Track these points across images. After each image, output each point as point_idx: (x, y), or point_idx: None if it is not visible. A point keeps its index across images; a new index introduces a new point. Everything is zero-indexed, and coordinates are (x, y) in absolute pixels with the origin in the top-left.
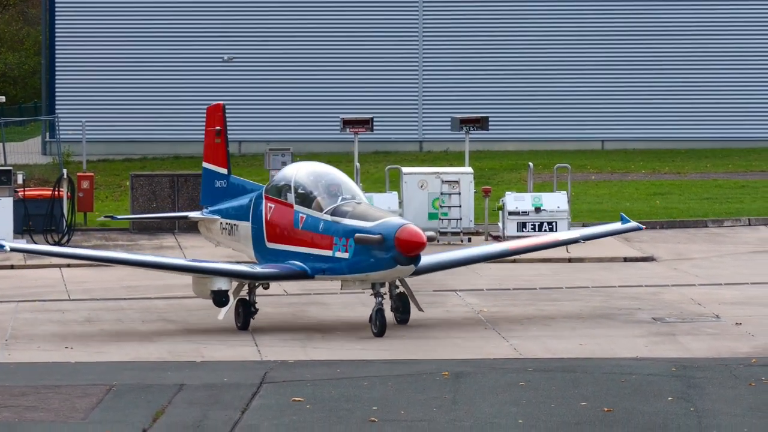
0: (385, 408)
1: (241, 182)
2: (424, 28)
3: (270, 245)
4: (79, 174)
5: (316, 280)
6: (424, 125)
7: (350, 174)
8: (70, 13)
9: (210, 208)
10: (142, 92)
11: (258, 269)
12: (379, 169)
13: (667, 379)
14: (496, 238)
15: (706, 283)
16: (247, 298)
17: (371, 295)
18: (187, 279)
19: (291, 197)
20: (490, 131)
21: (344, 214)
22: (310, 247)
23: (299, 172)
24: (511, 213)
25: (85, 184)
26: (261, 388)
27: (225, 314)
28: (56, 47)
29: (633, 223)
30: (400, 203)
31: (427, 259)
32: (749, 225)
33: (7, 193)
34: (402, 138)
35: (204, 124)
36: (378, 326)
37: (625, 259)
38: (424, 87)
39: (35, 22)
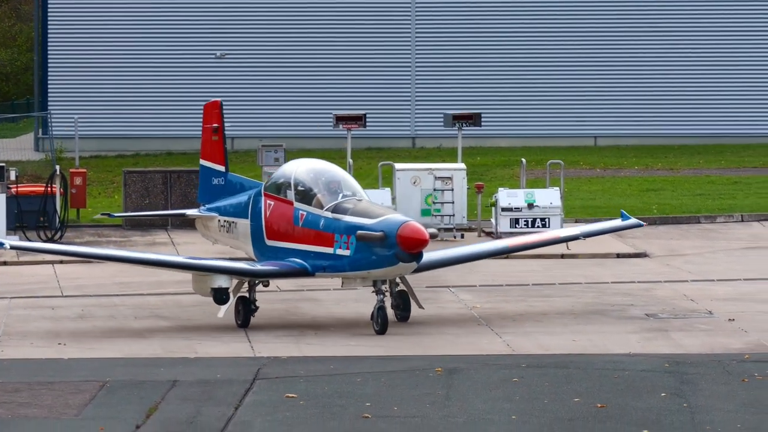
0: (378, 404)
1: (239, 179)
2: (416, 24)
3: (269, 242)
4: (71, 170)
5: (317, 278)
6: (416, 121)
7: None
8: (62, 9)
9: (208, 206)
10: (134, 89)
11: (258, 267)
12: (372, 165)
13: (660, 375)
14: (489, 235)
15: (699, 279)
16: (247, 295)
17: (373, 292)
18: (180, 275)
19: (291, 194)
20: (482, 127)
21: (345, 211)
22: (311, 244)
23: (299, 169)
24: (503, 209)
25: (77, 181)
26: (254, 385)
27: (225, 312)
28: (49, 43)
29: (633, 220)
30: (393, 199)
31: (428, 256)
32: (742, 221)
33: (0, 189)
34: (395, 134)
35: (197, 120)
36: (380, 324)
37: (618, 255)
38: (416, 83)
39: (28, 19)
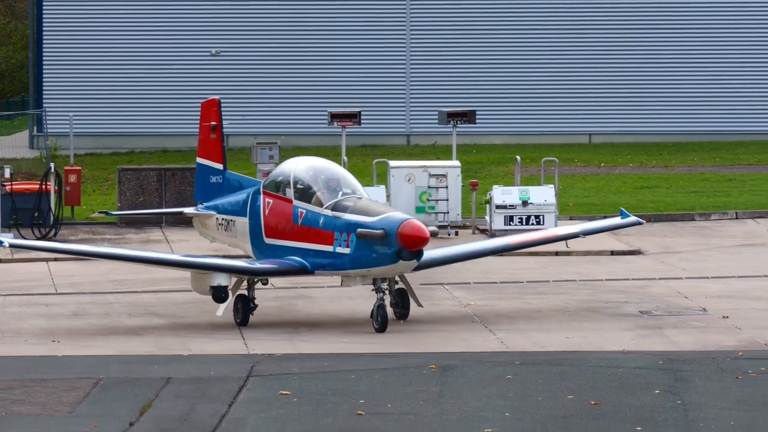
0: (372, 401)
1: (237, 177)
2: (411, 21)
3: (268, 241)
4: (66, 168)
5: (317, 276)
6: (411, 119)
7: None
8: (57, 6)
9: (205, 204)
10: (129, 86)
11: (258, 265)
12: (366, 162)
13: (654, 372)
14: (483, 232)
15: (693, 277)
16: (246, 293)
17: (372, 290)
18: (174, 273)
19: (290, 192)
20: (477, 125)
21: (345, 209)
22: (310, 242)
23: (298, 167)
24: (498, 206)
25: (72, 178)
26: (248, 382)
27: (224, 310)
28: (44, 41)
29: (633, 218)
30: (388, 197)
31: (429, 254)
32: (736, 218)
33: None
34: (390, 131)
35: (191, 117)
36: (379, 322)
37: (612, 253)
38: (411, 80)
39: (23, 16)
